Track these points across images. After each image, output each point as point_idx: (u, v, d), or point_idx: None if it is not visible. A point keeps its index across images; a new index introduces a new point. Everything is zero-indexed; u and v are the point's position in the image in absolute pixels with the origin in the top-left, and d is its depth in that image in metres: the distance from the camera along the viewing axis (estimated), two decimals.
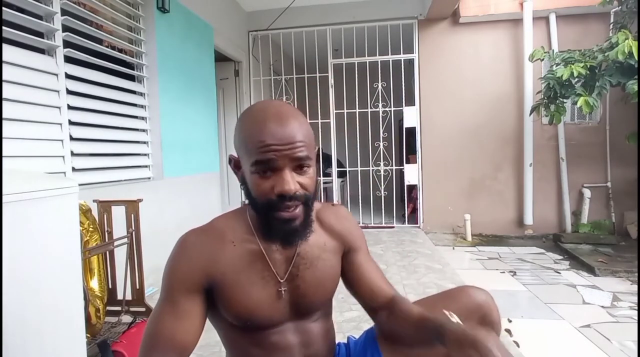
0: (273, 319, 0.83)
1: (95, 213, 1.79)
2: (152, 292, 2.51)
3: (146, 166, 2.74)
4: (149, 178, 2.75)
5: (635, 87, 2.86)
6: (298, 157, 0.74)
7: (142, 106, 2.72)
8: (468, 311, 0.89)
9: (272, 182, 0.74)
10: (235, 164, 0.83)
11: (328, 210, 0.93)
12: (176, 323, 0.75)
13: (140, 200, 1.88)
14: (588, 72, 3.06)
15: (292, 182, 0.73)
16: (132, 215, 1.86)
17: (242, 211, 0.87)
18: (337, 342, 0.98)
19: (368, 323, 1.99)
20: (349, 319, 1.95)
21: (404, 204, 4.81)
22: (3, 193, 0.95)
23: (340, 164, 4.98)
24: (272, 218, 0.76)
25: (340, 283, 0.94)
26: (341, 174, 5.18)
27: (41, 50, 1.98)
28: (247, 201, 0.82)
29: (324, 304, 0.90)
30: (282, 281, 0.83)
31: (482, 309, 0.89)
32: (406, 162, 4.65)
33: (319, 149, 0.86)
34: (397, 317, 0.87)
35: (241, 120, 0.80)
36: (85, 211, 1.66)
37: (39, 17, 1.95)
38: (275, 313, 0.82)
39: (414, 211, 4.73)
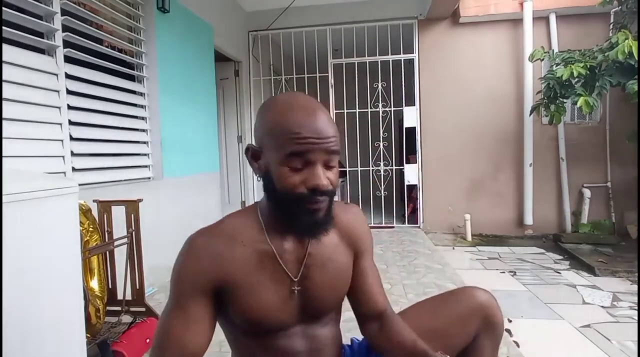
0: (283, 321, 0.80)
1: (95, 213, 1.79)
2: (152, 292, 2.51)
3: (146, 166, 2.74)
4: (149, 178, 2.75)
5: (635, 87, 2.86)
6: (331, 151, 0.73)
7: (142, 106, 2.73)
8: (471, 312, 0.92)
9: (303, 176, 0.72)
10: (253, 155, 0.79)
11: (342, 209, 0.89)
12: (186, 328, 0.73)
13: (140, 200, 1.88)
14: (588, 72, 3.06)
15: (324, 177, 0.73)
16: (132, 215, 1.86)
17: (251, 209, 0.85)
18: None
19: None
20: (349, 319, 1.95)
21: (404, 204, 4.81)
22: (3, 193, 0.95)
23: (340, 164, 4.95)
24: (299, 210, 0.74)
25: None
26: (341, 174, 5.16)
27: (41, 50, 1.98)
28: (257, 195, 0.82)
29: (334, 307, 0.88)
30: (295, 279, 0.80)
31: (485, 310, 0.91)
32: (406, 162, 4.64)
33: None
34: (388, 337, 0.87)
35: (267, 112, 0.77)
36: (85, 211, 1.66)
37: (39, 17, 1.95)
38: (285, 315, 0.80)
39: (414, 211, 4.73)
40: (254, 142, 0.82)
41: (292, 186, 0.73)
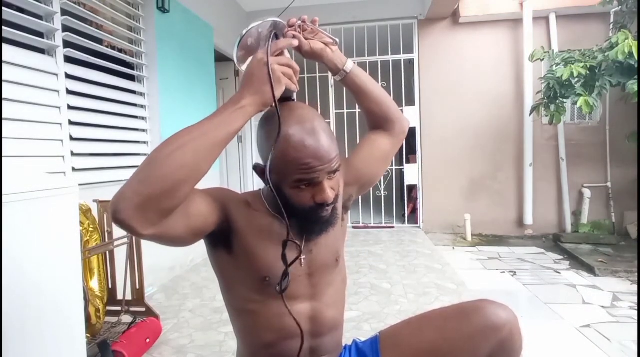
0: (290, 287, 0.84)
1: (95, 213, 1.79)
2: (152, 292, 2.51)
3: None
4: None
5: (635, 87, 2.86)
6: (334, 170, 0.80)
7: (142, 106, 2.73)
8: (483, 334, 0.80)
9: (311, 192, 0.79)
10: (261, 173, 0.83)
11: None
12: (196, 198, 0.80)
13: None
14: (588, 72, 3.06)
15: (329, 191, 0.79)
16: None
17: (256, 193, 0.91)
18: (344, 344, 0.99)
19: (368, 323, 1.99)
20: (349, 319, 1.95)
21: (404, 204, 4.81)
22: (3, 193, 0.95)
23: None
24: (308, 218, 0.83)
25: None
26: None
27: (41, 50, 1.98)
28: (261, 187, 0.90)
29: (334, 261, 0.92)
30: (302, 248, 0.85)
31: (501, 332, 0.79)
32: (406, 162, 4.65)
33: None
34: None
35: (271, 136, 0.78)
36: (85, 211, 1.66)
37: (39, 17, 1.95)
38: (293, 279, 0.84)
39: (414, 210, 4.73)
40: (258, 154, 0.87)
41: (303, 202, 0.80)
